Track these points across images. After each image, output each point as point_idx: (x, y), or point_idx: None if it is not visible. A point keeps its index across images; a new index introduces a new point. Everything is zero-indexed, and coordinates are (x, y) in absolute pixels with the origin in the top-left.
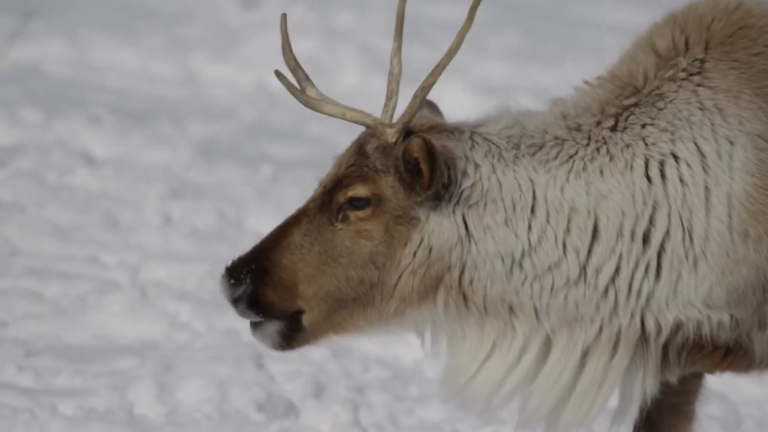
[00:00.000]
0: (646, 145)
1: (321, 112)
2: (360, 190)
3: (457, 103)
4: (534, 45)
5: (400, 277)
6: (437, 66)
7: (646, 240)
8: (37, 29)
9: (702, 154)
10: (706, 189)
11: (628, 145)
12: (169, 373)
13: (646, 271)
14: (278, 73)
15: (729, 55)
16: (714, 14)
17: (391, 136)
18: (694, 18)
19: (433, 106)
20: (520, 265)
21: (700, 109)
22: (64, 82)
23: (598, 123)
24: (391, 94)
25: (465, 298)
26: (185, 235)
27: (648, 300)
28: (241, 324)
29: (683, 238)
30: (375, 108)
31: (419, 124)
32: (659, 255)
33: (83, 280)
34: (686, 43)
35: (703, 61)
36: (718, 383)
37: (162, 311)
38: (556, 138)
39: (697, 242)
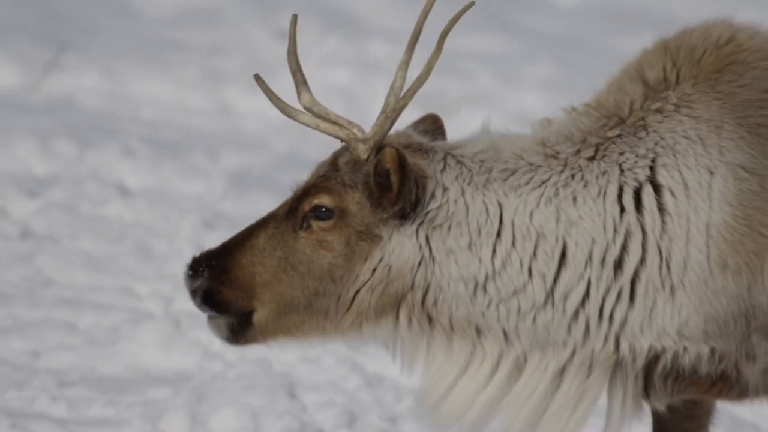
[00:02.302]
0: (622, 171)
1: (296, 121)
2: (325, 200)
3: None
4: (569, 76)
5: (357, 292)
6: (409, 89)
7: (618, 267)
8: (71, 61)
9: (685, 184)
10: (688, 218)
11: (603, 172)
12: (202, 403)
13: (618, 297)
14: (257, 77)
15: (714, 88)
16: (705, 47)
17: (362, 151)
18: (686, 50)
19: (437, 122)
20: (485, 288)
21: (685, 138)
22: (99, 113)
23: (578, 152)
24: (385, 108)
25: (429, 317)
26: None
27: (622, 326)
28: (273, 354)
29: (660, 267)
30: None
31: (395, 142)
32: (633, 282)
33: (116, 310)
34: (677, 76)
35: (690, 95)
36: (747, 412)
37: (195, 341)
38: (530, 164)
39: (675, 271)
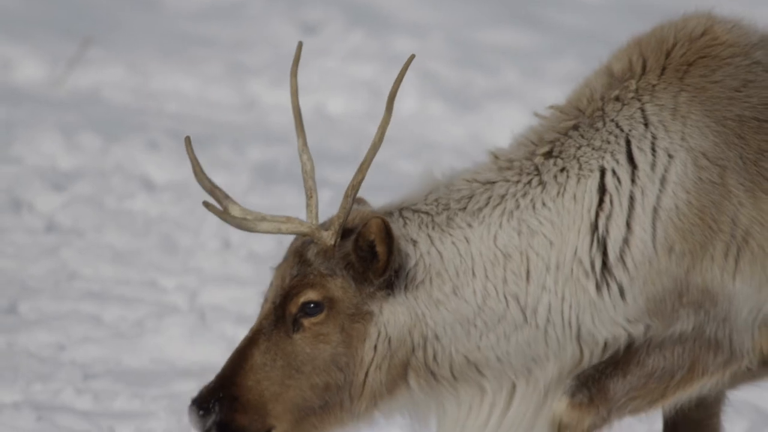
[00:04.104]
0: (580, 166)
1: (256, 231)
2: (311, 295)
3: (515, 128)
4: (590, 70)
5: (366, 373)
6: (363, 162)
7: (566, 265)
8: (96, 56)
9: (634, 165)
10: (631, 198)
11: (562, 169)
12: None
13: (566, 297)
14: (206, 204)
15: (682, 80)
16: (677, 39)
17: (329, 239)
18: (656, 41)
19: (361, 202)
20: (475, 324)
21: (644, 124)
22: (124, 107)
23: (532, 153)
24: (311, 193)
25: (433, 374)
26: (243, 258)
27: (578, 327)
28: None
29: (590, 250)
30: (434, 133)
31: (351, 219)
32: (578, 276)
33: (142, 303)
34: (643, 66)
35: (654, 86)
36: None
37: (220, 334)
38: (485, 182)
39: (611, 248)
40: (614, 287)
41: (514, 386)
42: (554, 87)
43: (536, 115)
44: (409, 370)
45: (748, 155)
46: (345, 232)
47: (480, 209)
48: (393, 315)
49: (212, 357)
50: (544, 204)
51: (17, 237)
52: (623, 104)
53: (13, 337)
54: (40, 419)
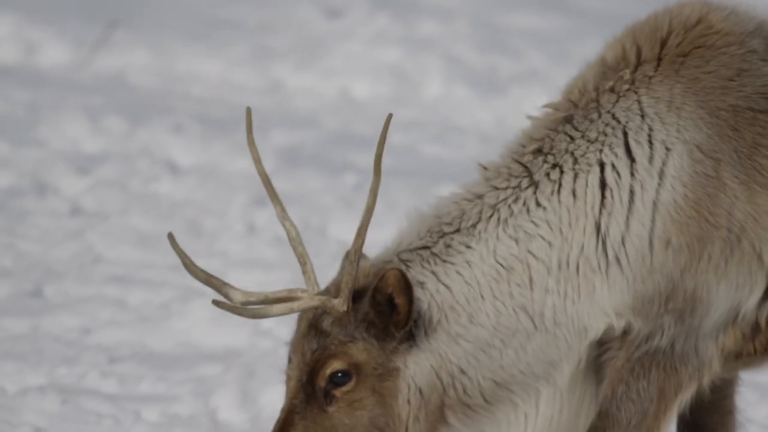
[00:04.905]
0: (575, 160)
1: (269, 317)
2: (337, 365)
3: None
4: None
5: (406, 428)
6: (360, 227)
7: (567, 263)
8: (121, 39)
9: (632, 158)
10: (631, 192)
11: (554, 165)
12: (253, 380)
13: (570, 293)
14: (216, 302)
15: (678, 72)
16: (672, 27)
17: (341, 305)
18: (650, 29)
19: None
20: (493, 345)
21: (641, 116)
22: (149, 90)
23: (521, 154)
24: (303, 259)
25: (468, 406)
26: (269, 242)
27: (576, 323)
28: None
29: (596, 247)
30: (459, 117)
31: (359, 281)
32: (577, 272)
33: (167, 287)
34: (638, 55)
35: (651, 78)
36: None
37: (245, 318)
38: (474, 197)
39: (610, 246)
40: (613, 280)
41: (538, 392)
42: (578, 70)
43: (529, 117)
44: (445, 410)
45: (743, 149)
46: (354, 295)
47: (474, 225)
48: (418, 366)
49: (237, 341)
50: (538, 204)
51: (42, 220)
52: (619, 96)
53: (38, 320)
54: (65, 402)
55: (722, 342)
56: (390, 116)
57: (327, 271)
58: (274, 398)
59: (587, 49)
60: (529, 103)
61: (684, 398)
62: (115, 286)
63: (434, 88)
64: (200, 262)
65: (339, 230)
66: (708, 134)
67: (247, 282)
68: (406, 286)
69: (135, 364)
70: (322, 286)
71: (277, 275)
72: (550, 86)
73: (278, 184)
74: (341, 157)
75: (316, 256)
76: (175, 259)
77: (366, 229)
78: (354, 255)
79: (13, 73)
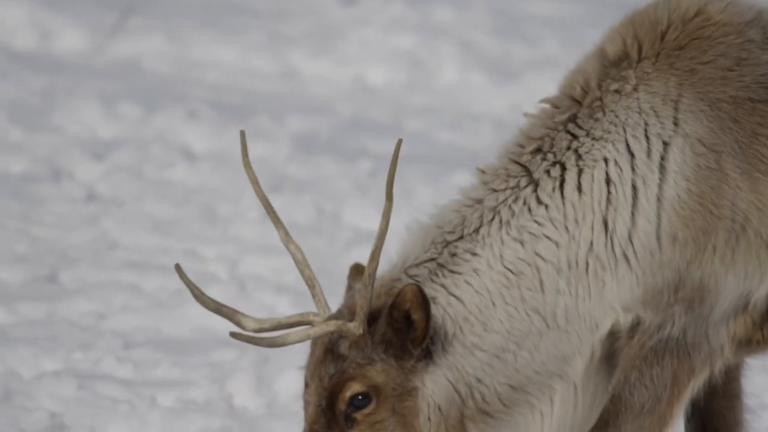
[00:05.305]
0: (579, 156)
1: (286, 345)
2: (356, 387)
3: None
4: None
5: None
6: (374, 251)
7: (576, 262)
8: (136, 25)
9: (631, 154)
10: (634, 188)
11: (555, 163)
12: (268, 365)
13: (581, 292)
14: (234, 334)
15: (672, 65)
16: (671, 20)
17: (357, 329)
18: (650, 23)
19: (361, 269)
20: (508, 349)
21: (638, 112)
22: (164, 77)
23: (519, 154)
24: (311, 282)
25: (487, 413)
26: None
27: (587, 319)
28: None
29: (605, 244)
30: (471, 103)
31: (372, 303)
32: (587, 270)
33: None
34: (639, 51)
35: (648, 74)
36: None
37: (260, 304)
38: (473, 202)
39: (618, 243)
40: (622, 276)
41: (553, 390)
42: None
43: (525, 115)
44: (466, 421)
45: (743, 139)
46: (373, 320)
47: (476, 230)
48: (436, 383)
49: None
50: (540, 202)
51: (57, 206)
52: (622, 95)
53: (54, 306)
54: (80, 388)
55: (733, 329)
56: (400, 141)
57: (341, 259)
58: (289, 383)
59: (599, 35)
60: (543, 90)
61: (697, 384)
62: (130, 272)
63: (449, 74)
64: (214, 249)
65: (353, 216)
66: (710, 128)
67: (261, 267)
68: (423, 301)
69: (150, 350)
70: (330, 282)
71: (291, 261)
72: (565, 72)
73: (293, 171)
74: (356, 143)
75: (331, 243)
76: (190, 245)
77: (379, 253)
78: (368, 279)
79: (28, 60)
